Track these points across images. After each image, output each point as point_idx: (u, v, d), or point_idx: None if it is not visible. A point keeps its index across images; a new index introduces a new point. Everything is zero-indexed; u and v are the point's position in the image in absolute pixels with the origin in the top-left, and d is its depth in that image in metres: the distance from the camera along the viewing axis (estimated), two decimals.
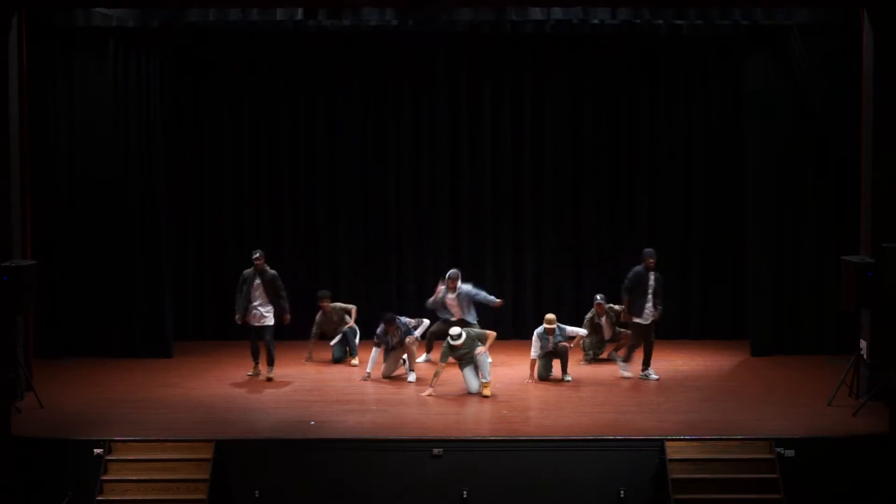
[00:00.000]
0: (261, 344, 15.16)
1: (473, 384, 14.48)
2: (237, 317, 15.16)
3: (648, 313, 15.06)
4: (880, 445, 12.53)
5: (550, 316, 15.21)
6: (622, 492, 12.44)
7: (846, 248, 15.38)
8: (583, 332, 15.92)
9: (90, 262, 16.59)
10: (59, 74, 16.55)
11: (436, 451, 12.51)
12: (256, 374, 15.26)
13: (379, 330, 15.24)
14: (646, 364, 15.29)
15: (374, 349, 15.29)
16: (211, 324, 17.66)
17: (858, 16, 14.80)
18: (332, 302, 16.42)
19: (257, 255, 15.07)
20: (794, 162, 16.58)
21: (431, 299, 15.99)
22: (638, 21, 16.56)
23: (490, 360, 15.39)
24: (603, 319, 16.18)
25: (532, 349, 15.13)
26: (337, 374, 15.75)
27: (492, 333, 14.91)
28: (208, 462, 12.40)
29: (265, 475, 12.52)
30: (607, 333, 16.28)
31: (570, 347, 15.37)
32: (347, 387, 15.05)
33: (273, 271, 15.09)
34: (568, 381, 15.16)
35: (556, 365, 15.29)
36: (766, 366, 16.11)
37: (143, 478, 12.41)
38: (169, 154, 17.06)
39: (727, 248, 17.67)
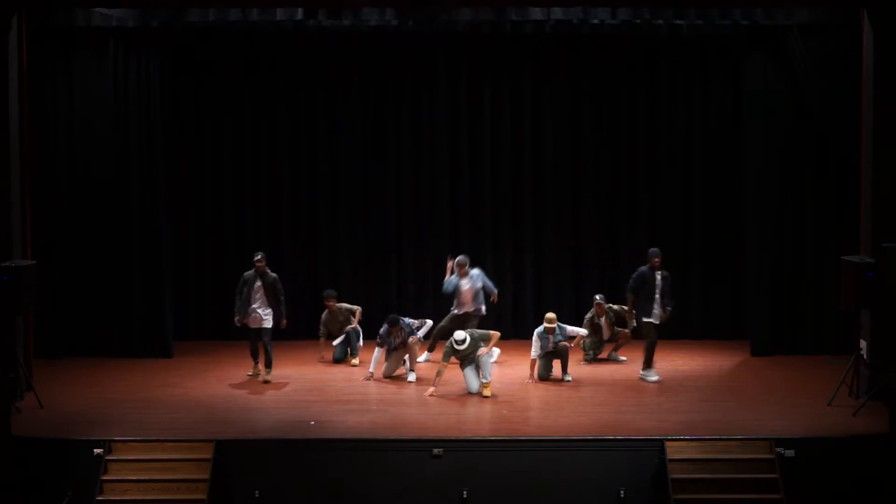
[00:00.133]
0: (259, 346, 15.14)
1: (474, 384, 14.48)
2: (236, 319, 15.16)
3: (657, 313, 14.99)
4: (880, 445, 12.53)
5: (551, 315, 15.21)
6: (622, 492, 12.45)
7: (846, 248, 15.39)
8: (583, 331, 15.93)
9: (90, 262, 16.59)
10: (59, 74, 16.55)
11: (436, 451, 12.52)
12: (257, 373, 15.26)
13: (382, 330, 15.24)
14: (647, 367, 15.24)
15: (376, 349, 15.30)
16: (211, 324, 17.66)
17: (858, 16, 14.80)
18: (338, 302, 16.41)
19: (259, 257, 15.06)
20: (794, 162, 16.58)
21: (446, 280, 15.97)
22: (638, 21, 16.56)
23: (494, 358, 15.41)
24: (602, 319, 16.19)
25: (532, 349, 15.13)
26: (337, 374, 15.75)
27: (495, 334, 14.91)
28: (208, 462, 12.40)
29: (265, 475, 12.52)
30: (606, 333, 16.29)
31: (571, 347, 15.37)
32: (347, 387, 15.05)
33: (274, 274, 15.07)
34: (568, 381, 15.16)
35: (556, 365, 15.29)
36: (766, 366, 16.11)
37: (143, 478, 12.41)
38: (169, 154, 17.06)
39: (727, 248, 17.67)
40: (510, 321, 17.46)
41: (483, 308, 16.00)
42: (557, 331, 15.13)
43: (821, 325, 16.66)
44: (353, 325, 16.26)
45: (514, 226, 17.86)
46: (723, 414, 13.67)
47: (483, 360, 14.48)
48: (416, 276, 17.86)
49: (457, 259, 15.98)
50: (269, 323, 15.04)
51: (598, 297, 16.19)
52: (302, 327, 17.59)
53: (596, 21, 16.53)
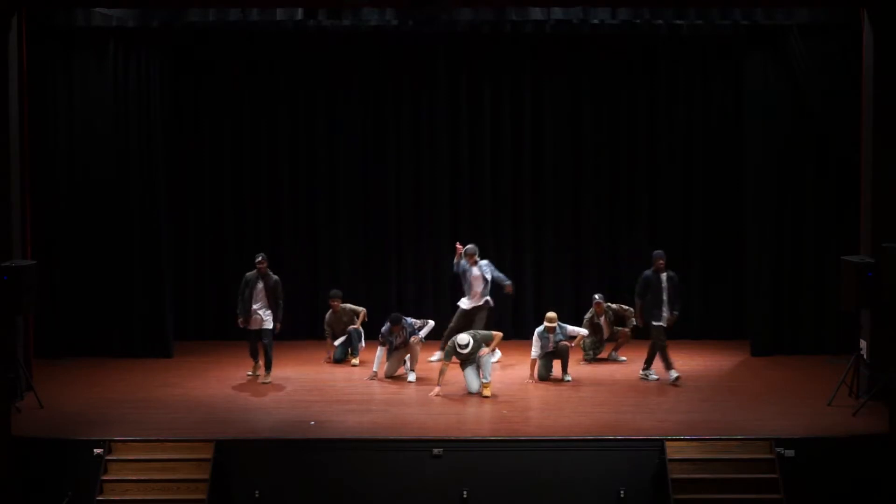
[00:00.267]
0: (260, 347, 15.11)
1: (474, 384, 14.48)
2: (240, 320, 15.10)
3: (666, 316, 14.89)
4: (880, 445, 12.53)
5: (551, 314, 15.21)
6: (622, 492, 12.45)
7: (846, 248, 15.39)
8: (584, 331, 15.93)
9: (90, 262, 16.59)
10: (59, 74, 16.55)
11: (436, 451, 12.51)
12: (257, 374, 15.22)
13: (384, 329, 15.25)
14: (647, 364, 15.26)
15: (378, 348, 15.31)
16: (211, 324, 17.67)
17: (858, 16, 14.80)
18: (343, 303, 16.41)
19: (259, 258, 15.03)
20: (794, 162, 16.58)
21: (455, 262, 15.98)
22: (638, 21, 16.56)
23: (495, 359, 15.41)
24: (602, 319, 16.19)
25: (532, 349, 15.12)
26: (337, 374, 15.75)
27: (498, 334, 14.93)
28: (208, 462, 12.40)
29: (265, 475, 12.52)
30: (606, 333, 16.29)
31: (571, 347, 15.36)
32: (347, 387, 15.05)
33: (276, 277, 15.03)
34: (568, 381, 15.16)
35: (557, 365, 15.29)
36: (766, 366, 16.11)
37: (143, 478, 12.41)
38: (169, 154, 17.06)
39: (727, 248, 17.66)
40: (510, 321, 17.45)
41: (491, 300, 16.03)
42: (558, 330, 15.13)
43: (821, 325, 16.65)
44: (355, 326, 16.25)
45: (514, 226, 17.86)
46: (723, 414, 13.67)
47: (483, 360, 14.48)
48: (416, 276, 17.86)
49: (466, 248, 15.99)
50: (269, 324, 15.02)
51: (597, 296, 16.20)
52: (302, 327, 17.61)
53: (596, 21, 16.53)
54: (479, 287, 15.91)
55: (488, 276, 15.96)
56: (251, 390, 14.83)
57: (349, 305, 16.42)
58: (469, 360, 14.49)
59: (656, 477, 12.45)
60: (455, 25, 16.93)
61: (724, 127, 17.65)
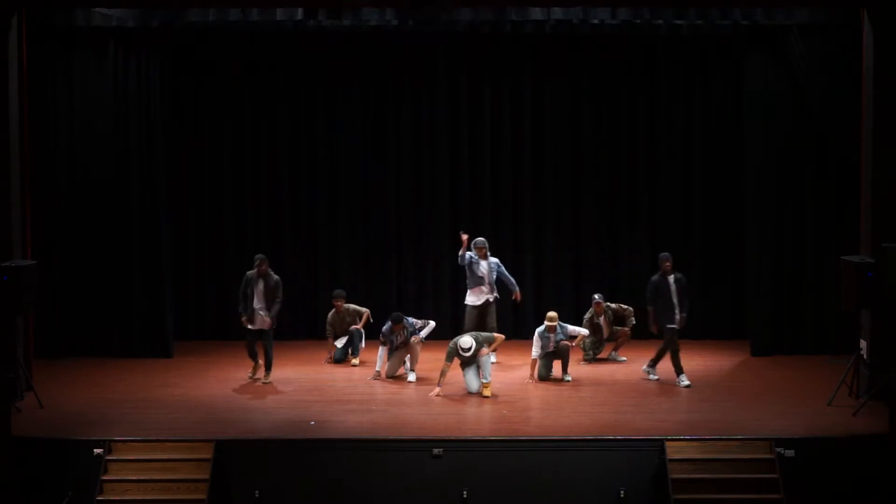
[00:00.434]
0: (259, 348, 15.06)
1: (473, 384, 14.48)
2: (244, 319, 15.04)
3: (678, 318, 14.83)
4: (880, 445, 12.53)
5: (552, 314, 15.20)
6: (622, 492, 12.44)
7: (846, 248, 15.39)
8: (584, 331, 15.92)
9: (90, 262, 16.59)
10: (59, 74, 16.55)
11: (436, 451, 12.51)
12: (256, 372, 15.16)
13: (385, 328, 15.25)
14: (653, 363, 15.20)
15: (380, 348, 15.30)
16: (211, 324, 17.67)
17: (858, 16, 14.80)
18: (347, 303, 16.40)
19: (258, 261, 14.95)
20: (794, 162, 16.58)
21: (462, 253, 15.96)
22: (638, 21, 16.56)
23: (493, 360, 15.41)
24: (602, 319, 16.19)
25: (533, 349, 15.12)
26: (337, 374, 15.75)
27: (500, 337, 14.95)
28: (208, 462, 12.40)
29: (265, 475, 12.52)
30: (605, 332, 16.29)
31: (572, 347, 15.36)
32: (347, 387, 15.05)
33: (277, 277, 14.98)
34: (568, 381, 15.16)
35: (557, 365, 15.29)
36: (766, 366, 16.11)
37: (143, 478, 12.40)
38: (169, 154, 17.06)
39: (727, 248, 17.67)
40: (510, 321, 17.43)
41: (497, 295, 16.09)
42: (559, 330, 15.13)
43: (821, 325, 16.65)
44: (357, 326, 16.24)
45: (514, 226, 17.86)
46: (723, 414, 13.67)
47: (483, 360, 14.47)
48: (416, 276, 17.86)
49: (476, 240, 15.99)
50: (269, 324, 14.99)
51: (596, 296, 16.19)
52: (302, 327, 17.63)
53: (596, 21, 16.53)
54: (488, 282, 15.94)
55: (494, 275, 15.98)
56: (251, 390, 14.83)
57: (352, 306, 16.41)
58: (470, 360, 14.49)
59: (656, 477, 12.45)
60: (455, 25, 16.93)
61: (724, 127, 17.65)
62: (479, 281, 15.98)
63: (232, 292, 15.57)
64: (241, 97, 17.64)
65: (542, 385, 15.05)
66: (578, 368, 15.79)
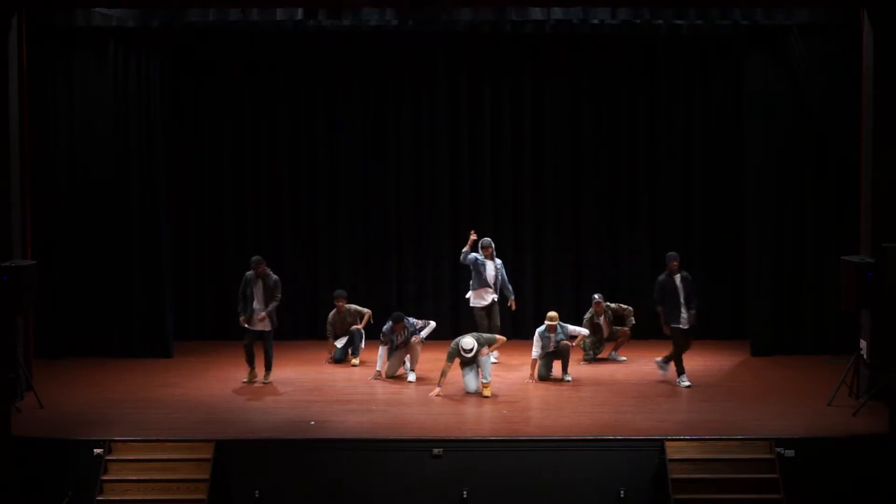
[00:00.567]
0: (259, 348, 15.03)
1: (472, 384, 14.48)
2: (242, 318, 15.04)
3: (685, 318, 14.79)
4: (880, 445, 12.53)
5: (553, 314, 15.20)
6: (622, 492, 12.44)
7: (846, 248, 15.39)
8: (585, 331, 15.91)
9: (90, 262, 16.59)
10: (59, 74, 16.55)
11: (436, 451, 12.51)
12: (252, 379, 15.07)
13: (385, 328, 15.24)
14: (666, 360, 15.07)
15: (380, 347, 15.30)
16: (211, 324, 17.67)
17: (858, 16, 14.80)
18: (348, 303, 16.39)
19: (254, 262, 14.89)
20: (794, 162, 16.58)
21: (465, 252, 15.99)
22: (638, 21, 16.56)
23: (494, 360, 15.43)
24: (602, 319, 16.19)
25: (533, 349, 15.12)
26: (337, 375, 15.76)
27: (501, 338, 14.97)
28: (208, 462, 12.40)
29: (265, 475, 12.52)
30: (606, 332, 16.29)
31: (572, 347, 15.36)
32: (347, 387, 15.05)
33: (276, 277, 14.95)
34: (568, 380, 15.16)
35: (557, 365, 15.29)
36: (766, 366, 16.11)
37: (143, 478, 12.40)
38: (169, 154, 17.06)
39: (727, 248, 17.67)
40: (510, 321, 17.41)
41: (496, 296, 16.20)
42: (559, 330, 15.13)
43: (821, 325, 16.65)
44: (358, 327, 16.24)
45: (514, 226, 17.86)
46: (723, 414, 13.67)
47: (483, 360, 14.47)
48: (416, 276, 17.86)
49: (482, 240, 16.01)
50: (269, 326, 14.96)
51: (596, 296, 16.19)
52: (302, 327, 17.63)
53: (596, 21, 16.53)
54: (492, 281, 15.96)
55: (499, 277, 16.02)
56: (251, 390, 14.83)
57: (354, 306, 16.41)
58: (470, 361, 14.49)
59: (656, 477, 12.45)
60: (455, 25, 16.93)
61: (724, 127, 17.65)
62: (485, 282, 16.01)
63: (232, 292, 15.57)
64: (241, 97, 17.64)
65: (542, 385, 15.05)
66: (578, 368, 15.79)
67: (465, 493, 12.43)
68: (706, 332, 17.51)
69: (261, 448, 12.70)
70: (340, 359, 16.26)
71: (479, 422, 13.63)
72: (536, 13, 15.98)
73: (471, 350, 14.32)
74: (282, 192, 17.74)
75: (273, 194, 17.76)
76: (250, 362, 15.03)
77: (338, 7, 15.58)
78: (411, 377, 15.21)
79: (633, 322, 16.37)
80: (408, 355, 15.30)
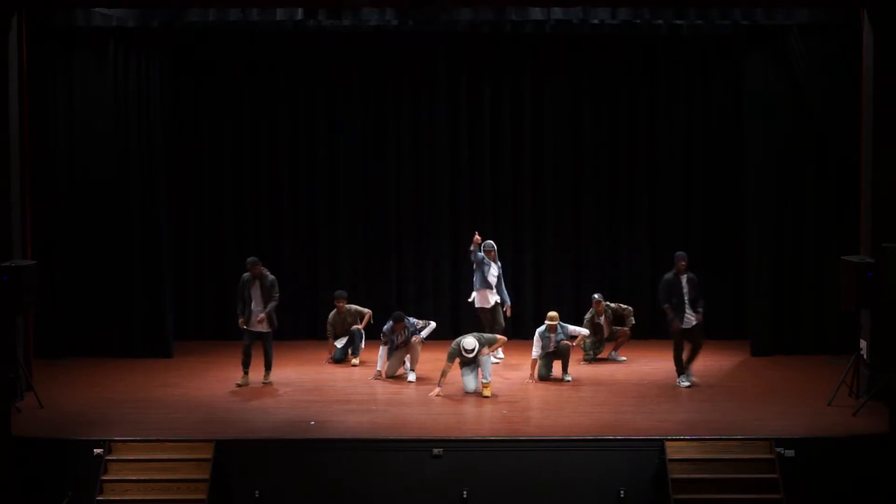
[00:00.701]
0: (258, 349, 14.96)
1: (471, 385, 14.48)
2: (241, 321, 15.04)
3: (690, 318, 14.75)
4: (880, 445, 12.53)
5: (553, 314, 15.20)
6: (622, 492, 12.44)
7: (846, 248, 15.39)
8: (585, 331, 15.91)
9: (90, 262, 16.59)
10: (59, 74, 16.55)
11: (436, 451, 12.51)
12: (246, 382, 15.01)
13: (386, 327, 15.24)
14: (687, 365, 14.93)
15: (381, 347, 15.30)
16: (211, 324, 17.67)
17: (858, 16, 14.80)
18: (348, 303, 16.39)
19: (250, 263, 14.86)
20: (794, 162, 16.58)
21: (472, 249, 16.03)
22: (638, 21, 16.56)
23: (496, 360, 15.44)
24: (602, 318, 16.18)
25: (533, 349, 15.12)
26: (337, 375, 15.75)
27: (502, 338, 14.99)
28: (208, 462, 12.40)
29: (265, 475, 12.52)
30: (606, 332, 16.29)
31: (572, 346, 15.36)
32: (347, 387, 15.05)
33: (272, 277, 14.93)
34: (568, 380, 15.16)
35: (557, 365, 15.29)
36: (766, 366, 16.11)
37: (143, 478, 12.40)
38: (169, 154, 17.06)
39: (727, 248, 17.67)
40: (510, 321, 17.40)
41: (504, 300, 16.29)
42: (559, 330, 15.13)
43: (821, 325, 16.65)
44: (358, 327, 16.24)
45: (514, 226, 17.86)
46: (723, 414, 13.67)
47: (483, 359, 14.47)
48: (416, 276, 17.86)
49: (485, 243, 16.05)
50: (268, 327, 14.93)
51: (596, 295, 16.19)
52: (302, 327, 17.62)
53: (596, 21, 16.53)
54: (495, 283, 15.99)
55: (500, 280, 16.06)
56: (251, 390, 14.82)
57: (354, 307, 16.40)
58: (470, 361, 14.49)
59: (656, 477, 12.45)
60: (455, 25, 16.93)
61: (724, 127, 17.65)
62: (488, 283, 16.02)
63: (232, 292, 15.56)
64: (241, 97, 17.64)
65: (542, 385, 15.05)
66: (578, 368, 15.79)
67: (465, 493, 12.43)
68: (706, 332, 17.52)
69: (261, 448, 12.70)
70: (340, 359, 16.26)
71: (479, 422, 13.63)
72: (536, 13, 15.98)
73: (472, 350, 14.32)
74: (282, 192, 17.74)
75: (273, 194, 17.76)
76: (246, 365, 14.97)
77: (338, 7, 15.58)
78: (411, 377, 15.21)
79: (633, 322, 16.37)
80: (408, 355, 15.30)
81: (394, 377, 15.32)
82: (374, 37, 17.34)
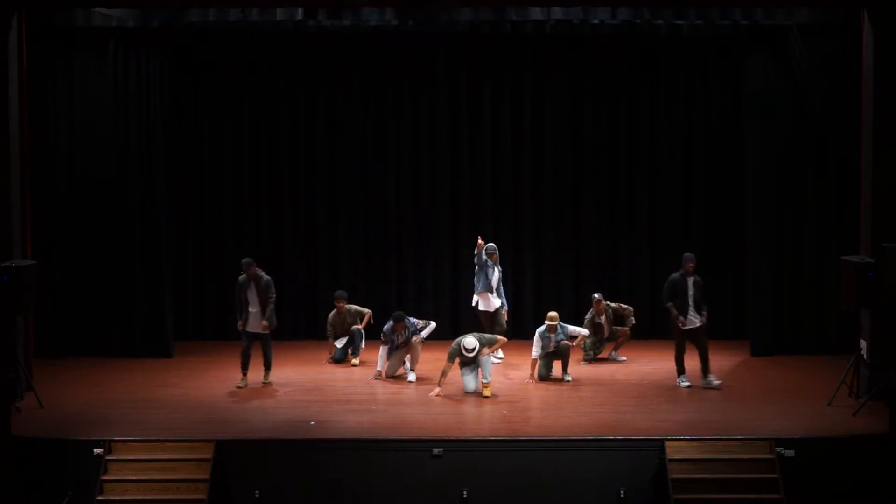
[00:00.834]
0: (257, 350, 14.94)
1: (470, 385, 14.48)
2: (239, 323, 15.03)
3: (693, 319, 14.70)
4: (880, 445, 12.53)
5: (553, 314, 15.20)
6: (622, 492, 12.44)
7: (846, 248, 15.39)
8: (585, 331, 15.90)
9: (90, 262, 16.60)
10: (59, 74, 16.55)
11: (436, 451, 12.51)
12: (245, 385, 15.00)
13: (386, 327, 15.24)
14: (705, 372, 14.79)
15: (381, 347, 15.30)
16: (211, 324, 17.67)
17: (858, 16, 14.80)
18: (349, 304, 16.39)
19: (245, 264, 14.84)
20: (794, 162, 16.58)
21: (476, 251, 16.07)
22: (638, 21, 16.57)
23: (497, 360, 15.43)
24: (602, 318, 16.18)
25: (533, 349, 15.12)
26: (337, 375, 15.75)
27: (502, 339, 14.98)
28: (208, 462, 12.40)
29: (265, 475, 12.52)
30: (606, 332, 16.29)
31: (572, 346, 15.36)
32: (347, 387, 15.05)
33: (268, 277, 14.89)
34: (568, 380, 15.16)
35: (557, 365, 15.29)
36: (766, 366, 16.11)
37: (143, 478, 12.41)
38: (169, 154, 17.06)
39: (727, 248, 17.66)
40: (510, 321, 17.42)
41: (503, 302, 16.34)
42: (559, 330, 15.13)
43: (821, 325, 16.65)
44: (358, 327, 16.23)
45: (514, 226, 17.86)
46: (723, 414, 13.67)
47: (483, 359, 14.47)
48: (416, 276, 17.86)
49: (487, 245, 16.09)
50: (267, 328, 14.91)
51: (596, 295, 16.19)
52: (302, 327, 17.63)
53: (596, 21, 16.54)
54: (496, 286, 16.00)
55: (500, 283, 16.06)
56: (251, 390, 14.82)
57: (354, 307, 16.40)
58: (470, 361, 14.49)
59: (656, 477, 12.45)
60: (455, 25, 16.93)
61: (724, 127, 17.65)
62: (490, 286, 16.02)
63: (232, 292, 15.53)
64: (241, 97, 17.64)
65: (542, 385, 15.05)
66: (578, 368, 15.79)
67: (465, 493, 12.43)
68: (706, 332, 17.53)
69: (261, 448, 12.70)
70: (340, 359, 16.26)
71: (479, 422, 13.63)
72: (536, 13, 15.98)
73: (473, 350, 14.32)
74: (282, 192, 17.74)
75: (273, 194, 17.76)
76: (245, 367, 14.96)
77: (338, 7, 15.58)
78: (411, 377, 15.21)
79: (634, 322, 16.37)
80: (408, 355, 15.30)
81: (394, 377, 15.33)
82: (374, 37, 17.34)
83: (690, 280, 14.77)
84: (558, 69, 17.68)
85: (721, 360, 16.38)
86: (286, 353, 16.21)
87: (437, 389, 14.46)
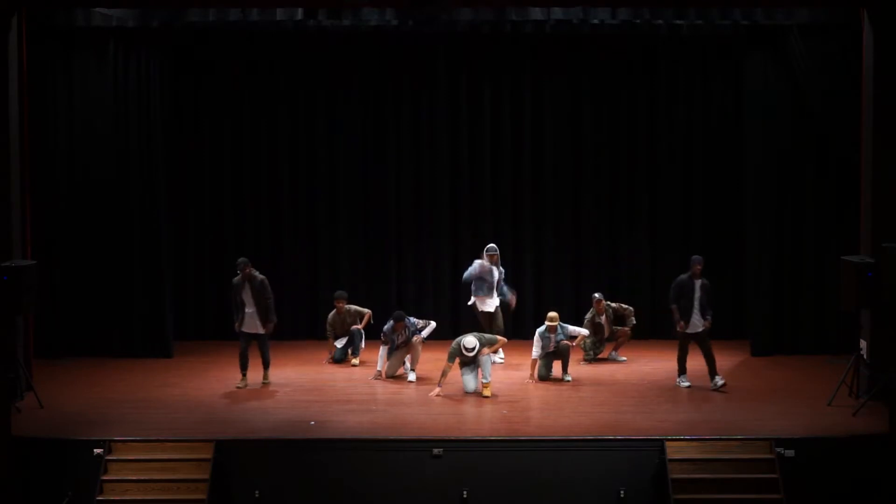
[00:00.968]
0: (252, 349, 14.92)
1: (470, 385, 14.48)
2: (237, 325, 15.01)
3: (697, 322, 14.66)
4: (880, 445, 12.53)
5: (553, 314, 15.20)
6: (622, 492, 12.44)
7: (846, 248, 15.39)
8: (585, 331, 15.90)
9: (90, 262, 16.60)
10: (59, 74, 16.55)
11: (436, 451, 12.51)
12: (245, 385, 15.00)
13: (386, 327, 15.24)
14: (712, 373, 14.72)
15: (381, 347, 15.29)
16: (211, 324, 17.66)
17: (858, 16, 14.80)
18: (348, 304, 16.38)
19: (241, 265, 14.80)
20: (794, 162, 16.58)
21: (469, 272, 16.06)
22: (638, 21, 16.57)
23: (498, 360, 15.42)
24: (603, 318, 16.18)
25: (533, 349, 15.12)
26: (337, 375, 15.75)
27: (502, 339, 14.97)
28: (208, 462, 12.40)
29: (265, 475, 12.52)
30: (606, 332, 16.29)
31: (572, 346, 15.36)
32: (347, 387, 15.05)
33: (261, 277, 14.85)
34: (568, 380, 15.16)
35: (557, 365, 15.29)
36: (766, 366, 16.11)
37: (143, 478, 12.41)
38: (169, 154, 17.06)
39: (727, 248, 17.66)
40: (510, 321, 17.42)
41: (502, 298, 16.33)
42: (559, 330, 15.13)
43: (821, 325, 16.65)
44: (358, 327, 16.23)
45: (514, 226, 17.86)
46: (723, 414, 13.67)
47: (483, 359, 14.47)
48: (416, 276, 17.86)
49: (488, 247, 16.14)
50: (262, 329, 14.89)
51: (596, 294, 16.19)
52: (302, 327, 17.62)
53: (596, 21, 16.54)
54: (496, 287, 16.01)
55: (501, 284, 16.11)
56: (251, 391, 14.82)
57: (354, 307, 16.40)
58: (470, 361, 14.50)
59: (656, 477, 12.45)
60: (455, 25, 16.93)
61: (724, 127, 17.66)
62: (490, 288, 16.02)
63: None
64: (241, 97, 17.64)
65: (542, 385, 15.05)
66: (578, 368, 15.79)
67: (465, 493, 12.43)
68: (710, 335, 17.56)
69: (261, 448, 12.70)
70: (340, 359, 16.25)
71: (479, 422, 13.63)
72: (536, 13, 15.98)
73: (473, 349, 14.33)
74: (282, 192, 17.74)
75: (273, 194, 17.76)
76: (244, 368, 14.95)
77: (338, 7, 15.58)
78: (411, 377, 15.21)
79: (634, 322, 16.37)
80: (408, 355, 15.30)
81: (394, 377, 15.33)
82: (374, 37, 17.34)
83: (698, 283, 14.73)
84: (558, 69, 17.68)
85: (721, 360, 16.27)
86: (286, 353, 16.21)
87: (437, 389, 14.46)
